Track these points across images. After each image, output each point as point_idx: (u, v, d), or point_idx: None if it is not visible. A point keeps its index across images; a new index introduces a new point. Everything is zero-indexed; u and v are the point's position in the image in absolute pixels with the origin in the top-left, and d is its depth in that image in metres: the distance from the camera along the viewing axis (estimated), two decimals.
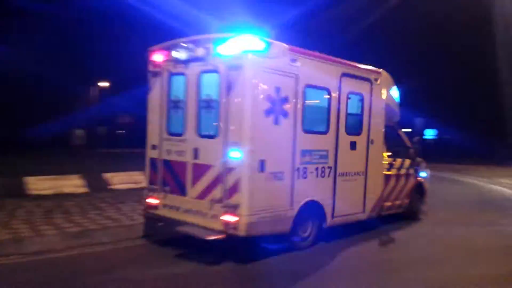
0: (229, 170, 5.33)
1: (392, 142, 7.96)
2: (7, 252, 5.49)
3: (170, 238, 6.18)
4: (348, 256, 5.96)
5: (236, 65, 5.27)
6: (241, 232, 5.22)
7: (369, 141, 7.04)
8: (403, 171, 8.19)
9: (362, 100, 6.95)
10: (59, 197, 9.12)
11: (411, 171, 8.36)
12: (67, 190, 9.76)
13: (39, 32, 29.24)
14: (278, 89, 5.50)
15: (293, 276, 5.06)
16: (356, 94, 6.84)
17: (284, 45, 5.66)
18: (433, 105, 31.65)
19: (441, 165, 19.67)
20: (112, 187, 10.57)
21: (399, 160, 8.09)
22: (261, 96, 5.34)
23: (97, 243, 6.12)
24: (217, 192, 5.47)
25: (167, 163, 6.16)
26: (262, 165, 5.32)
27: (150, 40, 7.01)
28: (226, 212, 5.31)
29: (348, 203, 6.70)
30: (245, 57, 5.23)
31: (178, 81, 6.07)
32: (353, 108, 6.79)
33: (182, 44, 5.86)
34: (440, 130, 37.94)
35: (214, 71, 5.55)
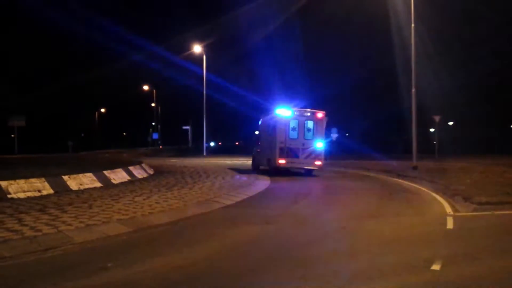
0: (317, 149, 17.51)
1: None
2: None
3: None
4: None
5: (321, 119, 17.82)
6: (321, 166, 17.87)
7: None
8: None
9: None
10: None
11: None
12: None
13: None
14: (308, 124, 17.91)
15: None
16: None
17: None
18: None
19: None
20: (10, 196, 9.62)
21: None
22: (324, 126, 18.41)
23: None
24: (313, 155, 17.48)
25: (289, 148, 17.25)
26: (324, 149, 18.23)
27: None
28: (316, 160, 17.54)
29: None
30: (323, 117, 17.89)
31: (295, 121, 17.46)
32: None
33: (300, 110, 17.94)
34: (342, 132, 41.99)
35: (312, 119, 17.70)
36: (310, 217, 9.05)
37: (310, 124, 17.50)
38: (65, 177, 11.45)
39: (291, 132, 17.26)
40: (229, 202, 10.50)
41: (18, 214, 7.83)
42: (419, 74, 21.09)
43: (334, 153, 38.65)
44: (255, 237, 7.17)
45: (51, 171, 12.72)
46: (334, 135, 35.16)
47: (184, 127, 61.31)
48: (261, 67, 45.19)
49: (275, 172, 17.57)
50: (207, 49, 40.30)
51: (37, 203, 9.02)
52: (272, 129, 17.99)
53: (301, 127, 17.39)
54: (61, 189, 10.82)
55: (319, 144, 17.46)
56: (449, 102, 40.51)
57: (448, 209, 9.76)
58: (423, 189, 13.72)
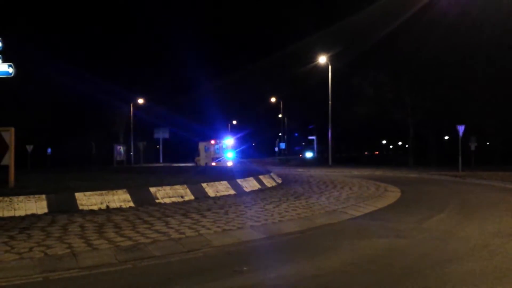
0: (228, 158, 36.99)
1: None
2: (66, 266, 5.69)
3: None
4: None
5: (230, 144, 39.20)
6: (232, 164, 34.87)
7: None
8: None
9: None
10: (108, 212, 9.41)
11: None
12: (114, 204, 10.06)
13: None
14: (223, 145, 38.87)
15: None
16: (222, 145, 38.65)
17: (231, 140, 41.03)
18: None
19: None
20: (158, 201, 10.81)
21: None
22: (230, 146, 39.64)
23: (149, 256, 6.25)
24: (227, 160, 36.33)
25: (216, 157, 36.71)
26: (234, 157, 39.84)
27: None
28: (228, 162, 35.66)
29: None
30: (230, 143, 39.33)
31: (218, 146, 37.85)
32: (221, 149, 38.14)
33: (219, 140, 38.72)
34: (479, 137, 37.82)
35: (225, 143, 38.56)
36: (447, 233, 8.44)
37: (224, 146, 37.09)
38: (204, 184, 12.45)
39: (216, 150, 36.53)
40: (357, 213, 10.34)
41: (165, 217, 8.77)
42: None
43: (471, 163, 35.26)
44: (385, 251, 6.96)
45: (192, 178, 13.93)
46: (473, 144, 32.10)
47: (310, 137, 61.96)
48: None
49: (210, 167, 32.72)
50: (332, 59, 40.24)
51: (180, 208, 9.98)
52: (207, 149, 36.74)
53: (220, 148, 36.75)
54: (200, 195, 11.80)
55: (230, 155, 36.99)
56: None
57: None
58: None
